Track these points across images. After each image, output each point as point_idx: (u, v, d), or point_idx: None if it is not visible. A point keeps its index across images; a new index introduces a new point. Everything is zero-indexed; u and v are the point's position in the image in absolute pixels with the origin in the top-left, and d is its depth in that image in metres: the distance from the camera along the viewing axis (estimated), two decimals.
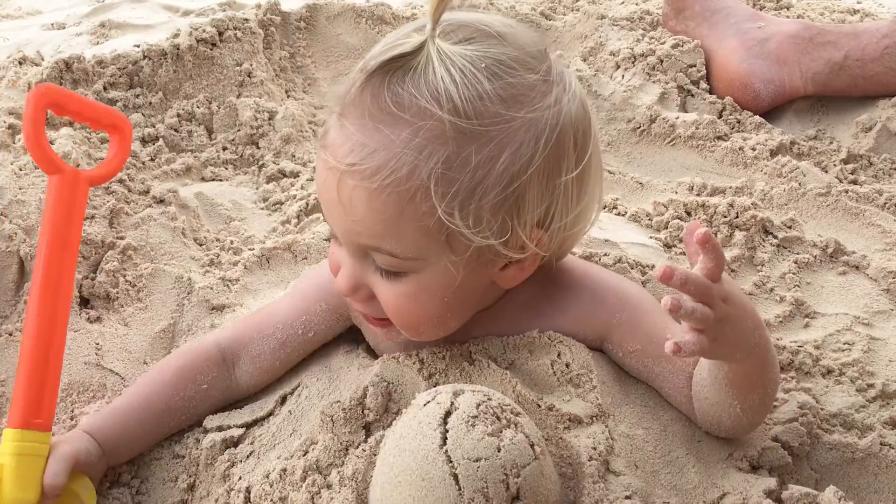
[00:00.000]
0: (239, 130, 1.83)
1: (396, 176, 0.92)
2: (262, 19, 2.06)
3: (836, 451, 1.12)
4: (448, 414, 0.90)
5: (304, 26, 2.16)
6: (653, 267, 1.35)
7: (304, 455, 1.02)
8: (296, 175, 1.74)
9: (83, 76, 1.81)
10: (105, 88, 1.82)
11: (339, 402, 1.03)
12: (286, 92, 2.02)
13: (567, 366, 1.07)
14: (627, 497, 0.96)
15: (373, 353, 1.19)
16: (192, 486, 1.08)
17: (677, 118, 1.89)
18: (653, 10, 2.26)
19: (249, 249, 1.47)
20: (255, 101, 1.86)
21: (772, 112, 1.98)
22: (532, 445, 0.90)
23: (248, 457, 1.07)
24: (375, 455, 0.97)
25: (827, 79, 1.94)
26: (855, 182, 1.74)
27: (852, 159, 1.80)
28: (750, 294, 1.41)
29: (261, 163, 1.78)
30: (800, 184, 1.68)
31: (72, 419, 1.16)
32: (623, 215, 1.62)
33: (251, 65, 1.93)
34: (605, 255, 1.34)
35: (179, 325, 1.32)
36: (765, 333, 0.98)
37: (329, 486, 0.97)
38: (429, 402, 0.93)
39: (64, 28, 2.38)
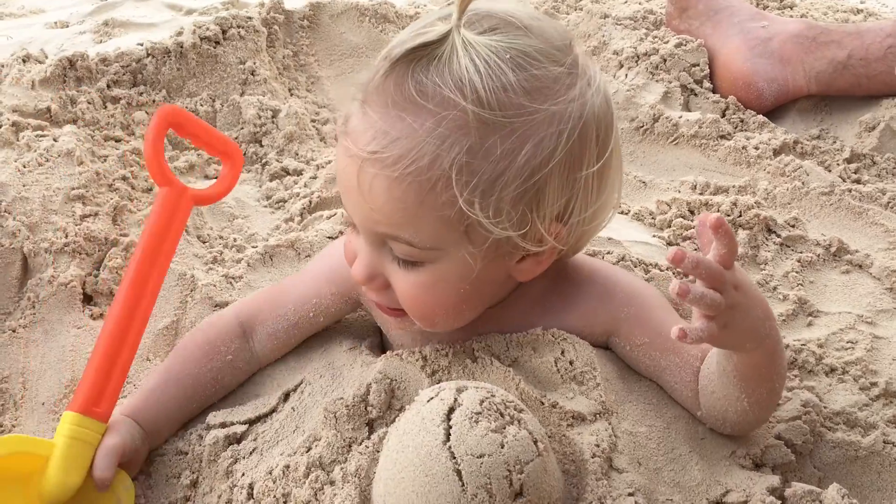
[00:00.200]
0: (242, 128, 1.83)
1: (418, 165, 0.91)
2: (266, 17, 2.06)
3: (839, 450, 1.12)
4: (451, 410, 0.90)
5: (307, 25, 2.16)
6: (656, 265, 1.35)
7: (307, 451, 1.02)
8: (299, 173, 1.74)
9: (87, 74, 1.81)
10: (109, 86, 1.82)
11: (342, 398, 1.03)
12: (289, 90, 2.02)
13: (570, 363, 1.07)
14: (630, 494, 0.95)
15: (376, 350, 1.19)
16: (196, 483, 1.08)
17: (680, 117, 1.89)
18: (656, 10, 2.25)
19: (252, 247, 1.48)
20: (258, 99, 1.86)
21: (775, 111, 1.98)
22: (535, 442, 0.90)
23: (251, 453, 1.07)
24: (378, 452, 0.97)
25: (830, 78, 1.94)
26: (858, 181, 1.74)
27: (856, 158, 1.80)
28: None
29: (264, 161, 1.79)
30: (803, 183, 1.68)
31: None
32: (626, 214, 1.62)
33: (254, 63, 1.93)
34: (609, 253, 1.34)
35: (183, 323, 1.32)
36: (774, 325, 0.98)
37: (332, 483, 0.97)
38: (432, 398, 0.93)
39: (67, 26, 2.38)
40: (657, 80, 2.00)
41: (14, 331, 1.29)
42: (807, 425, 1.12)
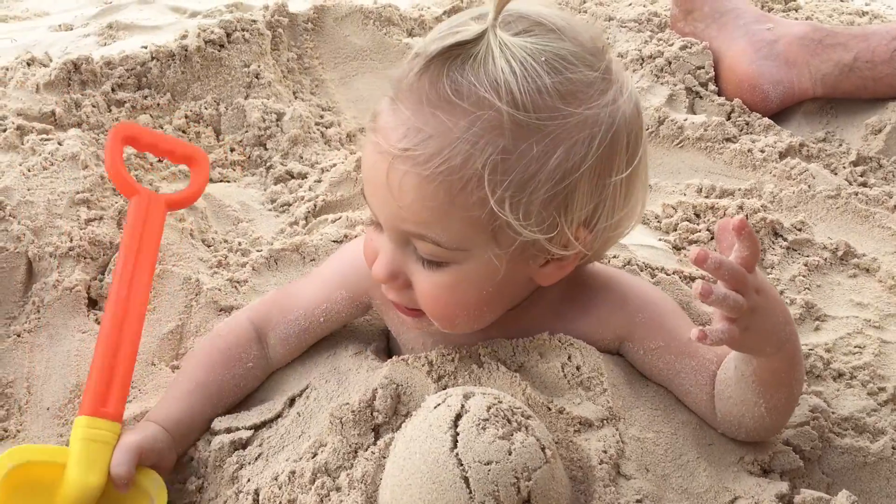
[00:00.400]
0: (247, 132, 1.83)
1: (450, 164, 0.91)
2: (270, 21, 2.06)
3: (847, 455, 1.11)
4: (458, 417, 0.90)
5: (311, 28, 2.15)
6: (662, 269, 1.35)
7: (312, 457, 1.02)
8: (304, 176, 1.74)
9: (91, 77, 1.81)
10: (113, 89, 1.82)
11: (347, 404, 1.03)
12: (294, 93, 2.01)
13: (578, 368, 1.06)
14: (638, 500, 0.95)
15: (382, 355, 1.18)
16: (201, 489, 1.07)
17: (686, 120, 1.88)
18: (661, 12, 2.25)
19: (257, 251, 1.47)
20: (262, 102, 1.86)
21: (781, 114, 1.98)
22: (543, 449, 0.90)
23: (256, 459, 1.06)
24: (385, 457, 0.97)
25: (836, 80, 1.94)
26: (865, 184, 1.73)
27: (862, 161, 1.80)
28: None
29: (269, 164, 1.78)
30: (809, 186, 1.68)
31: None
32: None
33: (259, 66, 1.93)
34: (615, 256, 1.33)
35: (187, 327, 1.32)
36: (794, 330, 0.98)
37: (338, 489, 0.97)
38: (439, 404, 0.93)
39: (72, 29, 2.38)
40: (662, 83, 2.00)
41: (19, 335, 1.29)
42: (815, 431, 1.11)
